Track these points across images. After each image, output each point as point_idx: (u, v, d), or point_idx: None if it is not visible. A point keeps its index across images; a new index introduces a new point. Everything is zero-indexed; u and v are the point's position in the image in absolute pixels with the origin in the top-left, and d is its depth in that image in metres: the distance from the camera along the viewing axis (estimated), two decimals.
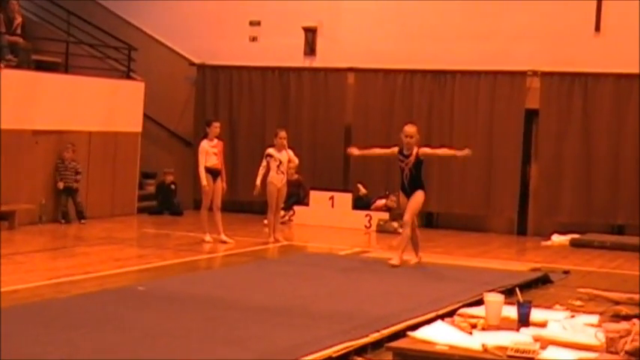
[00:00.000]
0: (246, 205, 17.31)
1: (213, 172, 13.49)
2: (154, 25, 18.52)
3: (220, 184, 13.59)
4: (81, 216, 15.42)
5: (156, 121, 18.34)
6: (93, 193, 16.15)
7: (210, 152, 13.47)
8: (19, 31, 15.54)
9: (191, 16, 18.40)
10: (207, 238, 13.59)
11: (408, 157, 11.31)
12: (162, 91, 18.25)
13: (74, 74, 16.04)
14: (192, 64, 18.45)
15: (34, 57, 15.92)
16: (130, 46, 17.27)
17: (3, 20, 15.30)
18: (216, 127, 13.59)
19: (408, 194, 11.35)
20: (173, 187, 17.51)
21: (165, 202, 17.38)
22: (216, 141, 13.58)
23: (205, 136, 13.62)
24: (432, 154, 11.82)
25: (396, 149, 11.51)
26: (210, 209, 13.59)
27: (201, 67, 18.38)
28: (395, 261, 11.25)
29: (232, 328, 7.55)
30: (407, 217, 11.32)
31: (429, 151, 11.63)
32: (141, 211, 17.23)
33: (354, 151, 12.10)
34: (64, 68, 16.18)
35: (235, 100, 18.17)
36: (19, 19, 15.58)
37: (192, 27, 18.37)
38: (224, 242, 13.56)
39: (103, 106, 16.32)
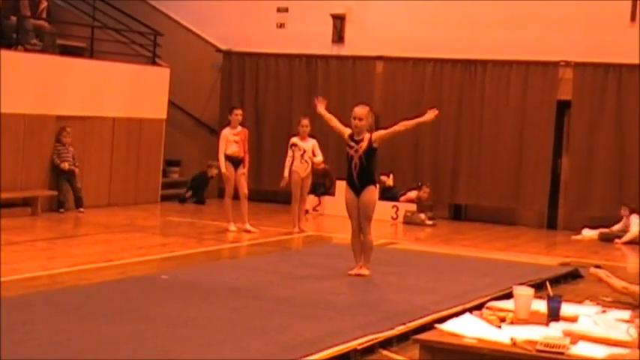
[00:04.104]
0: (271, 194, 17.15)
1: (233, 161, 13.29)
2: (180, 10, 18.40)
3: (241, 172, 13.38)
4: (79, 203, 14.86)
5: (181, 108, 18.22)
6: (116, 179, 16.03)
7: (230, 140, 13.27)
8: (44, 15, 15.44)
9: (218, 1, 18.26)
10: (232, 227, 13.43)
11: (358, 142, 9.56)
12: (188, 77, 18.12)
13: (99, 59, 15.92)
14: (218, 50, 18.30)
15: (59, 41, 15.82)
16: (155, 31, 17.14)
17: (28, 4, 15.19)
18: (237, 115, 13.39)
19: (358, 190, 9.59)
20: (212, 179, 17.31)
21: (196, 193, 17.18)
22: (239, 128, 13.39)
23: (229, 123, 13.44)
24: (391, 132, 9.75)
25: (348, 130, 9.75)
26: (236, 198, 13.42)
27: (228, 54, 18.22)
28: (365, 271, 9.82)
29: (255, 318, 7.48)
30: (367, 226, 9.65)
31: (383, 132, 9.68)
32: (165, 199, 17.09)
33: (320, 107, 10.51)
34: (89, 53, 16.07)
35: (262, 87, 18.00)
36: (44, 3, 15.47)
37: (219, 13, 18.23)
38: (248, 232, 13.39)
39: (127, 92, 16.20)
